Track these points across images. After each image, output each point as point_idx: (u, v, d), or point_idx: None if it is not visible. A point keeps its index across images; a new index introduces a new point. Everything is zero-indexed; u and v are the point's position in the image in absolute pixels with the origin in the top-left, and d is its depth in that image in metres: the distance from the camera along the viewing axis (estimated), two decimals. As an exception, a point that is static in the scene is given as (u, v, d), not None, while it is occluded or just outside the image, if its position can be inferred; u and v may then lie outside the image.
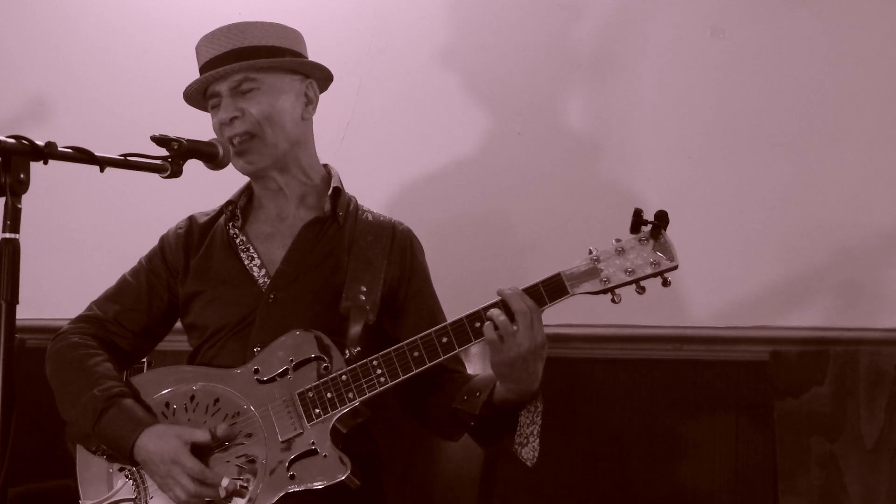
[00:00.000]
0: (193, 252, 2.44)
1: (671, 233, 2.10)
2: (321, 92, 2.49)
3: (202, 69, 2.39)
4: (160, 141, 2.02)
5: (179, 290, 2.43)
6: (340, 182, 2.47)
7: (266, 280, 2.36)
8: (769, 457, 2.69)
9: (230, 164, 2.24)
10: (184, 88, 2.42)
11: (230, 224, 2.43)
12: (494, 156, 3.01)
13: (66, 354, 2.35)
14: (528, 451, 2.15)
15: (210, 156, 2.14)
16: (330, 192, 2.43)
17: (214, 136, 2.35)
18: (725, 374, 2.81)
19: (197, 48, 2.42)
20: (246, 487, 2.14)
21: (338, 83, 2.53)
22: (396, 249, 2.42)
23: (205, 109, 2.45)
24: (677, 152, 2.87)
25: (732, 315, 2.79)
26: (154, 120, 2.60)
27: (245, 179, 2.49)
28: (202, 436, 2.15)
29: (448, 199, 3.05)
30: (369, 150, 3.10)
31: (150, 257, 2.48)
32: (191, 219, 2.51)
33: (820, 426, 2.60)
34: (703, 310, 2.81)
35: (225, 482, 2.11)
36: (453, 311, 2.48)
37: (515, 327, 2.05)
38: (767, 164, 2.79)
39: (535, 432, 2.15)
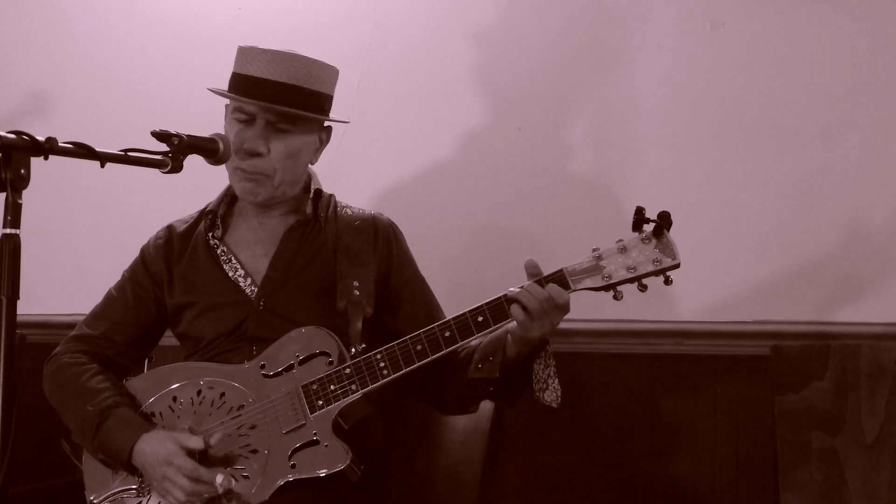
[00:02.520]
0: (175, 261, 2.45)
1: (673, 233, 2.11)
2: None
3: (246, 79, 2.33)
4: (160, 136, 2.01)
5: (167, 300, 2.44)
6: (319, 183, 2.48)
7: (253, 289, 2.37)
8: (770, 451, 2.69)
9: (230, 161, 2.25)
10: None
11: (210, 234, 2.44)
12: (495, 151, 3.01)
13: (60, 376, 2.38)
14: (550, 394, 2.19)
15: (210, 151, 2.13)
16: (311, 195, 2.44)
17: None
18: (726, 369, 2.81)
19: (246, 53, 2.35)
20: (247, 477, 2.16)
21: (338, 79, 2.53)
22: (381, 241, 2.44)
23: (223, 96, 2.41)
24: (677, 147, 2.87)
25: (733, 310, 2.79)
26: (154, 116, 2.60)
27: (226, 183, 2.49)
28: (196, 443, 2.17)
29: (448, 195, 3.04)
30: (369, 145, 3.09)
31: (133, 269, 2.49)
32: (169, 228, 2.51)
33: (821, 421, 2.60)
34: (703, 304, 2.81)
35: (219, 479, 2.13)
36: (452, 304, 2.48)
37: (533, 321, 2.11)
38: (767, 158, 2.79)
39: (552, 374, 2.20)
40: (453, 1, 3.06)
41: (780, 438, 2.63)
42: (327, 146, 2.48)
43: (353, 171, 2.87)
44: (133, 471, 2.23)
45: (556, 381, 2.19)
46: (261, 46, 2.35)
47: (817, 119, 2.76)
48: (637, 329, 2.84)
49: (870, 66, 2.73)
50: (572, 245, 2.89)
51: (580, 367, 2.89)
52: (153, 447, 2.18)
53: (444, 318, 2.22)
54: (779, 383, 2.65)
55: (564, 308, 2.12)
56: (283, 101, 2.30)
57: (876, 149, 2.72)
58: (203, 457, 2.17)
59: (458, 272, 2.95)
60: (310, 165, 2.49)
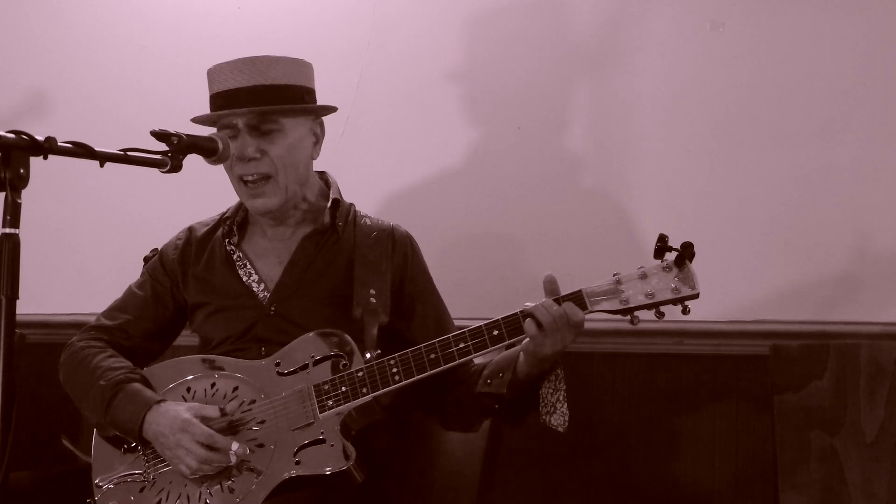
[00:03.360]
0: (192, 263, 2.48)
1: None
2: None
3: (219, 96, 2.36)
4: (160, 136, 2.01)
5: (184, 298, 2.48)
6: (339, 192, 2.48)
7: (266, 294, 2.39)
8: (769, 451, 2.69)
9: (230, 159, 2.25)
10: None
11: (227, 240, 2.46)
12: (494, 150, 3.01)
13: (74, 358, 2.42)
14: (558, 418, 2.19)
15: (210, 150, 2.13)
16: (329, 204, 2.44)
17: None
18: (726, 369, 2.81)
19: (213, 73, 2.39)
20: (252, 471, 2.17)
21: (337, 78, 2.54)
22: (398, 252, 2.45)
23: (206, 124, 2.43)
24: (676, 147, 2.86)
25: (733, 309, 2.79)
26: (153, 116, 2.59)
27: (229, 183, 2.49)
28: (212, 411, 2.21)
29: (448, 194, 3.04)
30: (368, 144, 3.10)
31: (153, 268, 2.53)
32: (190, 230, 2.54)
33: (820, 420, 2.60)
34: (703, 304, 2.79)
35: (235, 446, 2.16)
36: (450, 302, 2.48)
37: (545, 336, 2.10)
38: (767, 158, 2.79)
39: (561, 398, 2.20)
40: (452, 0, 3.06)
41: (780, 438, 2.63)
42: (328, 142, 2.48)
43: (352, 170, 2.86)
44: (144, 443, 2.25)
45: (566, 405, 2.19)
46: (229, 59, 2.36)
47: (816, 119, 2.76)
48: (637, 329, 2.82)
49: (870, 66, 2.73)
50: (571, 244, 2.90)
51: (579, 367, 2.89)
52: (168, 416, 2.21)
53: (454, 331, 2.22)
54: (778, 383, 2.65)
55: (578, 326, 2.12)
56: (254, 102, 2.31)
57: (876, 149, 2.72)
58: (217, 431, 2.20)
59: (458, 270, 2.95)
60: (331, 176, 2.51)
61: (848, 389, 2.60)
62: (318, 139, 2.45)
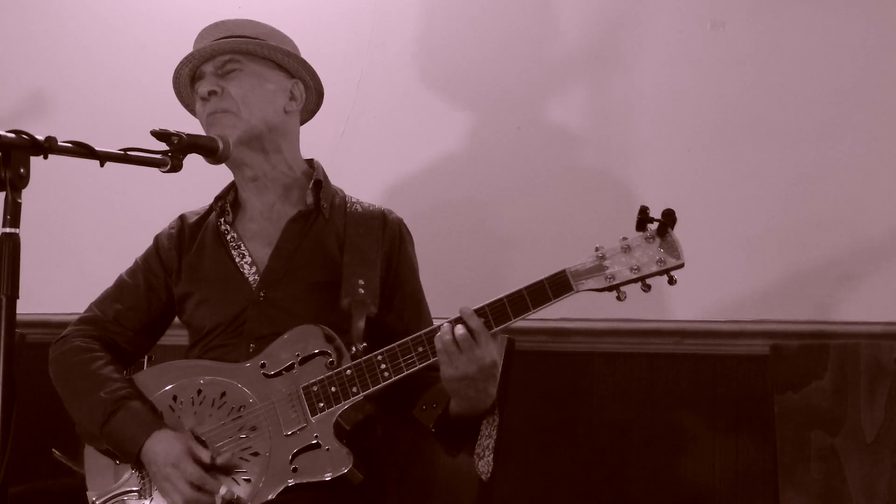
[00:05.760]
0: (185, 251, 2.45)
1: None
2: (316, 110, 2.51)
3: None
4: (160, 135, 2.02)
5: (175, 289, 2.45)
6: (325, 175, 2.47)
7: (256, 278, 2.36)
8: (769, 451, 2.69)
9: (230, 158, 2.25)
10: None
11: (221, 220, 2.44)
12: (494, 150, 3.01)
13: (70, 358, 2.37)
14: (484, 465, 2.18)
15: (210, 150, 2.14)
16: (311, 184, 2.42)
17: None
18: (726, 368, 2.81)
19: (194, 42, 2.44)
20: (249, 480, 2.14)
21: (338, 77, 2.54)
22: (387, 238, 2.43)
23: (193, 106, 2.45)
24: (677, 146, 2.87)
25: (732, 309, 2.79)
26: (153, 115, 2.59)
27: (230, 179, 2.48)
28: (205, 454, 2.16)
29: (448, 193, 3.05)
30: (369, 143, 3.10)
31: (146, 257, 2.50)
32: (182, 218, 2.52)
33: (820, 420, 2.60)
34: (703, 304, 2.81)
35: (222, 490, 2.12)
36: (448, 302, 2.48)
37: (457, 348, 2.06)
38: (767, 157, 2.79)
39: (490, 446, 2.18)
40: None
41: (780, 438, 2.63)
42: (329, 141, 2.48)
43: (352, 169, 2.87)
44: (139, 465, 2.22)
45: (492, 455, 2.17)
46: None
47: (816, 118, 2.76)
48: (636, 328, 2.84)
49: (870, 66, 2.73)
50: (571, 243, 2.89)
51: (580, 367, 2.89)
52: (163, 446, 2.17)
53: (431, 324, 2.20)
54: (778, 382, 2.65)
55: (478, 348, 2.05)
56: (220, 50, 2.36)
57: (875, 148, 2.72)
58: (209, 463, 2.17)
59: (457, 270, 2.95)
60: (318, 162, 2.48)
61: (848, 389, 2.60)
62: (294, 98, 2.43)
